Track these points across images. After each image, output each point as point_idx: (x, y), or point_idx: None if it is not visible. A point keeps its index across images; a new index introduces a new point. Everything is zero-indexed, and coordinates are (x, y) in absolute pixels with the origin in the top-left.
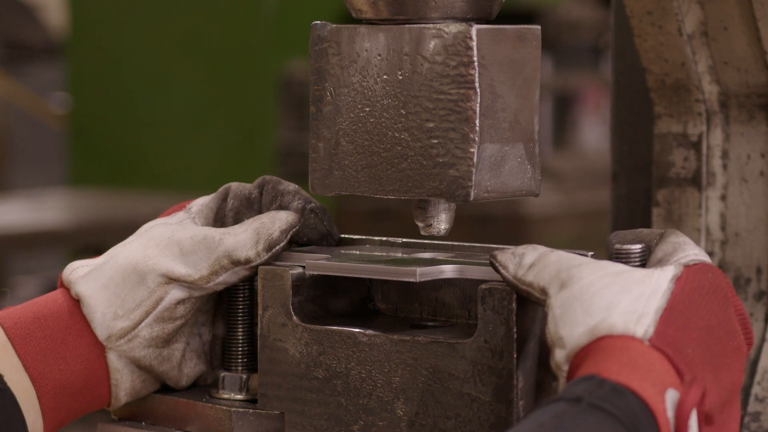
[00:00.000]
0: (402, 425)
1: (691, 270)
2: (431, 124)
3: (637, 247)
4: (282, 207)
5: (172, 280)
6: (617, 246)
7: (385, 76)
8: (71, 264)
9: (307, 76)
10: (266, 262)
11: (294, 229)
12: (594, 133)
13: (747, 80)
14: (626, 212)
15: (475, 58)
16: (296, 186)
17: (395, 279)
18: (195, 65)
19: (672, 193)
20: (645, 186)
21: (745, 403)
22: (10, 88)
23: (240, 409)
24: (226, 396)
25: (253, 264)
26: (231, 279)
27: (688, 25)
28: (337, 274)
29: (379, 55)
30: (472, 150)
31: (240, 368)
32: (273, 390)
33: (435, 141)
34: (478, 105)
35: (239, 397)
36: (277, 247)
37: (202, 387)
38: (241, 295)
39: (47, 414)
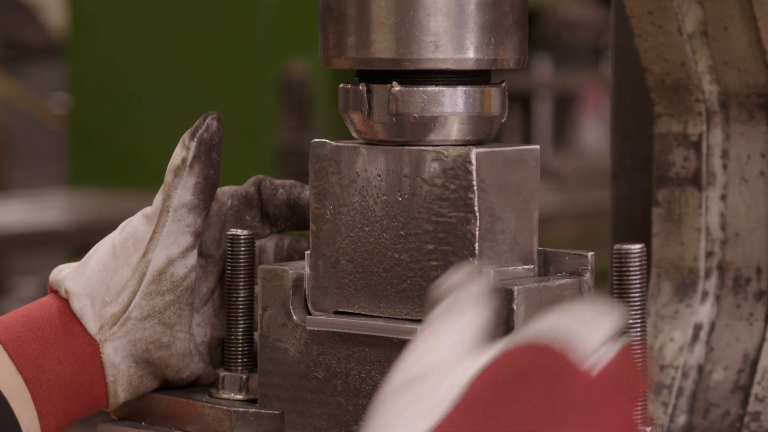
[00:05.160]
0: None
1: (506, 357)
2: (431, 246)
3: (637, 247)
4: (292, 199)
5: (146, 248)
6: (617, 246)
7: (384, 197)
8: (56, 267)
9: (307, 76)
10: (198, 154)
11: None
12: (594, 133)
13: (747, 80)
14: (626, 212)
15: (475, 182)
16: (292, 180)
17: (396, 336)
18: (195, 65)
19: (672, 193)
20: (645, 186)
21: (745, 403)
22: (10, 88)
23: (240, 409)
24: (226, 396)
25: (189, 161)
26: (188, 218)
27: (688, 24)
28: (338, 330)
29: (379, 175)
30: None
31: (240, 368)
32: (273, 390)
33: (434, 263)
34: (477, 228)
35: (239, 397)
36: (200, 132)
37: (202, 387)
38: (242, 295)
39: (44, 417)
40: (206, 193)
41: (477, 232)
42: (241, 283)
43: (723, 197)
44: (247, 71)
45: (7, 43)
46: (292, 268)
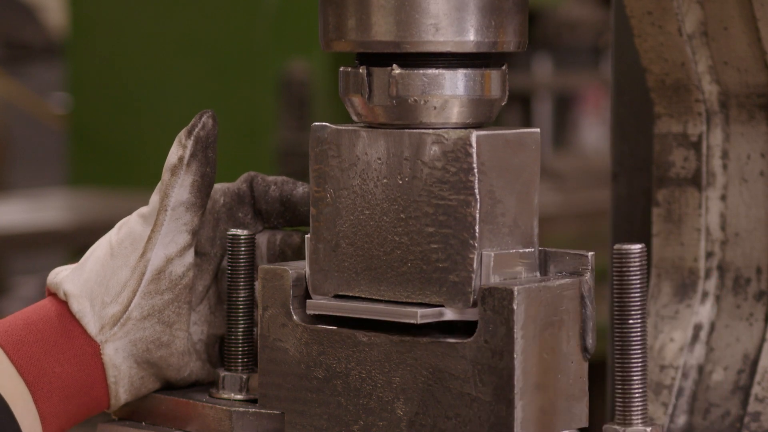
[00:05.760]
0: (402, 425)
1: None
2: (431, 229)
3: (637, 247)
4: (284, 196)
5: (144, 248)
6: (617, 246)
7: (385, 180)
8: (53, 270)
9: (307, 76)
10: (195, 153)
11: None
12: (594, 133)
13: (747, 80)
14: (626, 212)
15: (475, 165)
16: (284, 177)
17: (396, 320)
18: (195, 65)
19: (672, 193)
20: (645, 186)
21: (745, 403)
22: (10, 88)
23: (240, 409)
24: (226, 396)
25: (186, 159)
26: (185, 217)
27: (688, 25)
28: (338, 314)
29: (379, 158)
30: (471, 256)
31: (240, 368)
32: (273, 390)
33: (435, 246)
34: (477, 211)
35: (239, 397)
36: (196, 130)
37: (202, 387)
38: (242, 295)
39: (46, 419)
40: (203, 191)
41: (477, 215)
42: (241, 283)
43: (723, 197)
44: (247, 71)
45: (7, 43)
46: (292, 268)
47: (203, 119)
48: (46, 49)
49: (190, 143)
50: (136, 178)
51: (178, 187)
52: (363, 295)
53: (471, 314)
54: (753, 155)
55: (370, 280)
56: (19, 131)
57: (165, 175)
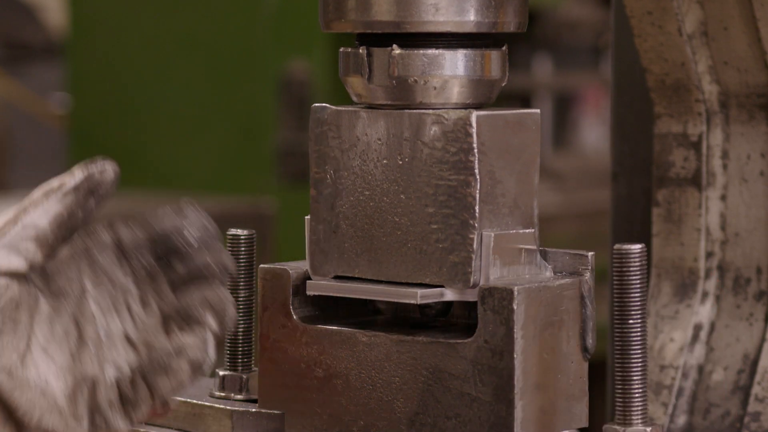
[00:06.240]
0: (402, 425)
1: None
2: (431, 210)
3: (637, 247)
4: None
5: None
6: (617, 246)
7: (385, 161)
8: None
9: (307, 76)
10: (78, 188)
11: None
12: (594, 133)
13: (747, 80)
14: (626, 212)
15: (475, 145)
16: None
17: (396, 300)
18: (195, 65)
19: (672, 193)
20: (645, 186)
21: (745, 403)
22: (10, 88)
23: (240, 409)
24: (226, 396)
25: (67, 188)
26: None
27: (688, 25)
28: (339, 295)
29: (379, 139)
30: (471, 236)
31: (240, 368)
32: (273, 390)
33: (435, 226)
34: (477, 191)
35: (239, 397)
36: (94, 170)
37: (202, 387)
38: (242, 295)
39: None
40: (63, 231)
41: (477, 195)
42: (241, 283)
43: (723, 197)
44: (247, 71)
45: (7, 43)
46: (292, 269)
47: (107, 166)
48: (46, 49)
49: (80, 176)
50: (136, 178)
51: (40, 209)
52: (363, 276)
53: (471, 295)
54: (753, 155)
55: (370, 261)
56: (19, 131)
57: (36, 192)
